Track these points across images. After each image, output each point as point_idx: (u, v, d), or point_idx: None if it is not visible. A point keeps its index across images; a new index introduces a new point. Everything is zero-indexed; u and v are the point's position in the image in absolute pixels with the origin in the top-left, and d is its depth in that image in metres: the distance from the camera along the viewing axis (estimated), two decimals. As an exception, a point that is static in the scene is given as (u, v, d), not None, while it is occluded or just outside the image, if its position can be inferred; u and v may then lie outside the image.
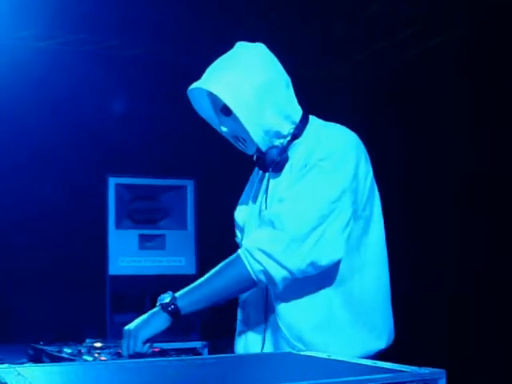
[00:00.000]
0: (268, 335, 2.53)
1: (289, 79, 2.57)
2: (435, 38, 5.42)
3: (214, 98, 2.52)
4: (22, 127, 5.58)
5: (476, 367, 4.93)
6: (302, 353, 2.07)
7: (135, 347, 2.32)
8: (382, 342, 2.51)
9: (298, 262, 2.34)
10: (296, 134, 2.54)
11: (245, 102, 2.44)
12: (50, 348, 2.66)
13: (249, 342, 2.60)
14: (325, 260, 2.36)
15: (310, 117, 2.62)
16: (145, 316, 2.39)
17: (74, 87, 5.74)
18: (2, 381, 1.65)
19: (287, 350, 2.34)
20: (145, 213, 5.81)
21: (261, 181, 2.70)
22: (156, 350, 2.44)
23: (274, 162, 2.54)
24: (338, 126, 2.59)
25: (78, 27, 5.49)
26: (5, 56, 5.41)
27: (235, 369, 1.95)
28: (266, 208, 2.56)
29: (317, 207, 2.37)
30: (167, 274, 5.71)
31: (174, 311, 2.34)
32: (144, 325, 2.35)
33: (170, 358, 2.14)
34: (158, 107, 5.87)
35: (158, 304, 2.39)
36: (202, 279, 2.43)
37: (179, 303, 2.35)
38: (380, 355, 2.46)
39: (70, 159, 5.70)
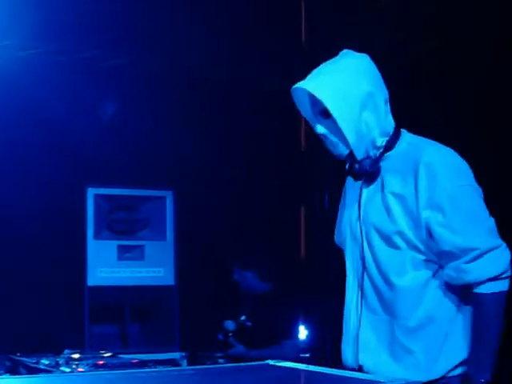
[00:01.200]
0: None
1: (387, 93, 2.63)
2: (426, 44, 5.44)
3: (314, 99, 2.58)
4: (0, 137, 5.55)
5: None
6: (279, 364, 2.07)
7: None
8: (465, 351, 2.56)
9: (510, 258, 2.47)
10: (389, 147, 2.60)
11: (345, 108, 2.51)
12: (27, 359, 2.65)
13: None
14: None
15: (402, 130, 2.68)
16: None
17: (53, 97, 5.72)
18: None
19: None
20: (124, 223, 5.81)
21: (352, 191, 2.75)
22: (135, 361, 2.43)
23: (366, 172, 2.59)
24: (434, 142, 2.65)
25: (60, 37, 5.48)
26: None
27: (213, 380, 1.95)
28: (358, 219, 2.63)
29: (488, 221, 2.49)
30: (146, 285, 5.71)
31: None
32: None
33: (148, 370, 2.14)
34: (137, 118, 5.86)
35: None
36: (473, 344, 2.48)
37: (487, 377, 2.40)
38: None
39: (48, 170, 5.67)
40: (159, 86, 5.85)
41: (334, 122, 2.52)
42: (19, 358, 2.70)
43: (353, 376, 1.81)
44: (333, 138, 2.61)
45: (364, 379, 1.74)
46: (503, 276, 2.43)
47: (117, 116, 5.89)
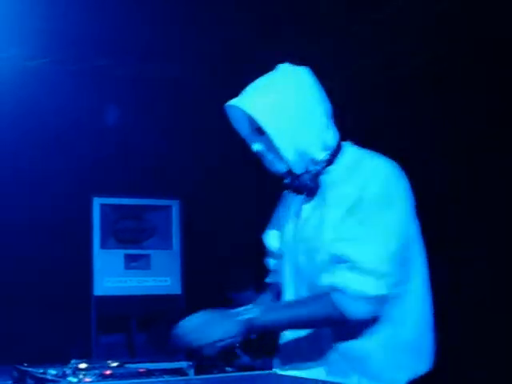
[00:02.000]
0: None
1: (329, 105, 2.56)
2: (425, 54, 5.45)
3: (249, 116, 2.50)
4: (7, 147, 5.57)
5: None
6: (284, 373, 2.07)
7: (204, 345, 2.29)
8: (427, 364, 2.53)
9: (384, 297, 2.38)
10: (330, 161, 2.54)
11: (280, 126, 2.43)
12: (34, 370, 2.64)
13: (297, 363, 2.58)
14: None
15: (345, 142, 2.62)
16: (221, 316, 2.35)
17: (60, 107, 5.74)
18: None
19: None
20: (130, 233, 5.81)
21: (290, 205, 2.70)
22: (142, 370, 2.42)
23: (306, 186, 2.55)
24: (379, 155, 2.59)
25: (68, 46, 5.49)
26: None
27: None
28: (299, 233, 2.58)
29: (394, 246, 2.39)
30: (153, 294, 5.71)
31: (251, 328, 2.32)
32: (217, 327, 2.30)
33: (155, 379, 2.14)
34: (144, 127, 5.87)
35: (237, 313, 2.35)
36: (286, 303, 2.47)
37: (259, 321, 2.33)
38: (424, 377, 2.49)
39: (54, 179, 5.69)
40: (167, 96, 5.86)
41: (270, 139, 2.46)
42: (26, 369, 2.69)
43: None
44: (269, 156, 2.55)
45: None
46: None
47: (123, 125, 5.90)
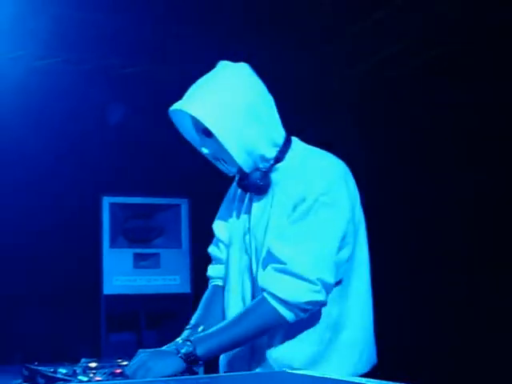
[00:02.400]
0: (253, 363, 2.51)
1: (272, 100, 2.52)
2: (429, 51, 5.44)
3: (195, 119, 2.46)
4: (17, 146, 5.58)
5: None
6: (296, 372, 2.07)
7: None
8: (367, 365, 2.51)
9: (320, 302, 2.35)
10: (279, 158, 2.50)
11: (226, 125, 2.39)
12: (44, 368, 2.64)
13: (233, 364, 2.57)
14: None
15: (293, 139, 2.58)
16: (163, 354, 2.31)
17: (69, 106, 5.75)
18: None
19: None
20: (139, 232, 5.82)
21: (241, 199, 2.67)
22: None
23: (256, 185, 2.51)
24: (326, 153, 2.56)
25: (76, 46, 5.51)
26: (2, 75, 5.41)
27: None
28: (248, 230, 2.55)
29: (330, 248, 2.36)
30: (162, 293, 5.71)
31: (192, 360, 2.28)
32: (162, 364, 2.25)
33: (166, 378, 2.13)
34: (152, 126, 5.86)
35: (175, 349, 2.30)
36: (222, 325, 2.39)
37: (199, 352, 2.28)
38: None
39: (64, 179, 5.70)
40: (176, 95, 5.86)
41: (218, 140, 2.42)
42: (36, 368, 2.69)
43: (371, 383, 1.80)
44: (219, 157, 2.52)
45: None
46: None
47: (133, 124, 5.90)
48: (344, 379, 1.95)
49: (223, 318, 2.60)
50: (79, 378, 2.36)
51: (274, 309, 2.33)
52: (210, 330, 2.38)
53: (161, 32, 5.42)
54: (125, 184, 5.89)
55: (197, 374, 2.46)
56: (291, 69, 5.90)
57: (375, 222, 5.62)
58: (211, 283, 2.82)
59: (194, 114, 2.42)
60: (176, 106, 2.49)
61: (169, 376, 2.24)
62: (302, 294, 2.31)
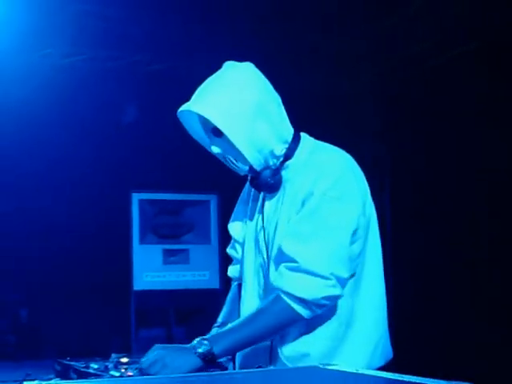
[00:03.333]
0: (267, 360, 2.51)
1: (279, 98, 2.51)
2: (452, 50, 5.41)
3: (204, 120, 2.45)
4: (47, 144, 5.61)
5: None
6: (328, 367, 2.06)
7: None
8: (382, 359, 2.50)
9: (336, 297, 2.35)
10: (288, 155, 2.49)
11: (236, 124, 2.39)
12: (76, 363, 2.66)
13: (248, 361, 2.57)
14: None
15: (302, 135, 2.57)
16: (181, 351, 2.30)
17: (96, 103, 5.78)
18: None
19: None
20: (168, 228, 5.84)
21: (255, 199, 2.65)
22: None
23: (267, 183, 2.49)
24: (333, 148, 2.54)
25: (101, 43, 5.53)
26: (30, 73, 5.45)
27: (266, 383, 1.95)
28: (261, 229, 2.54)
29: (342, 242, 2.35)
30: (191, 289, 5.73)
31: (210, 359, 2.27)
32: (180, 361, 2.25)
33: (198, 374, 2.14)
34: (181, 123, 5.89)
35: (193, 347, 2.28)
36: (238, 324, 2.38)
37: (216, 350, 2.27)
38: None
39: (93, 176, 5.73)
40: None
41: (228, 139, 2.40)
42: (68, 362, 2.70)
43: (403, 379, 1.79)
44: (230, 156, 2.49)
45: (416, 382, 1.72)
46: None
47: (161, 121, 5.92)
48: (375, 374, 1.95)
49: (239, 315, 2.60)
50: (111, 373, 2.38)
51: (290, 307, 2.32)
52: (226, 328, 2.38)
53: (186, 30, 5.42)
54: (154, 180, 5.90)
55: (226, 369, 2.47)
56: (309, 70, 5.91)
57: (399, 219, 5.59)
58: (233, 282, 2.83)
59: (203, 114, 2.42)
60: (184, 106, 2.48)
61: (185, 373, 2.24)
62: (318, 290, 2.30)
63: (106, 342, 4.70)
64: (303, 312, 2.32)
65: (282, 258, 2.38)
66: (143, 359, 2.32)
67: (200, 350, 2.26)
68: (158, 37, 5.48)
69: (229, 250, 2.81)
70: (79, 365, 2.60)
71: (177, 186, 5.87)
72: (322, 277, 2.30)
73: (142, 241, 5.67)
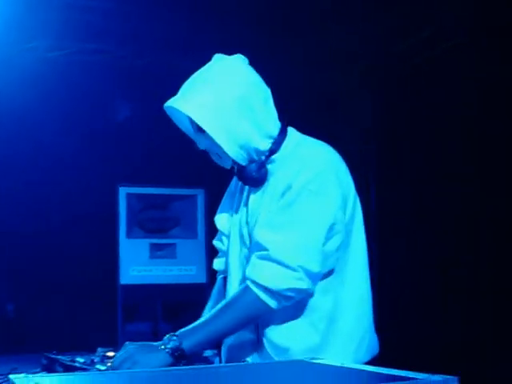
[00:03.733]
0: (253, 354, 2.52)
1: (268, 92, 2.51)
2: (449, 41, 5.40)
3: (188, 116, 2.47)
4: (32, 138, 5.60)
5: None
6: (314, 361, 2.07)
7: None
8: (367, 354, 2.51)
9: (303, 290, 2.35)
10: (274, 149, 2.50)
11: (217, 121, 2.39)
12: (62, 357, 2.66)
13: (234, 355, 2.57)
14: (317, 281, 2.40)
15: (289, 129, 2.57)
16: (150, 348, 2.31)
17: (82, 97, 5.77)
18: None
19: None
20: (155, 222, 5.84)
21: (241, 192, 2.66)
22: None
23: (252, 177, 2.50)
24: (317, 142, 2.55)
25: (87, 37, 5.51)
26: (15, 67, 5.43)
27: (250, 376, 1.95)
28: (246, 222, 2.55)
29: (315, 236, 2.36)
30: (178, 283, 5.73)
31: (179, 355, 2.28)
32: (148, 357, 2.25)
33: (184, 367, 2.14)
34: (168, 116, 5.88)
35: (162, 345, 2.29)
36: (207, 317, 2.38)
37: (185, 346, 2.28)
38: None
39: (80, 170, 5.72)
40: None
41: (209, 135, 2.42)
42: (55, 356, 2.71)
43: (390, 372, 1.80)
44: (214, 152, 2.51)
45: (402, 376, 1.73)
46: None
47: (148, 115, 5.92)
48: (361, 367, 1.96)
49: None
50: (97, 366, 2.38)
51: (258, 297, 2.33)
52: (196, 323, 2.37)
53: (173, 22, 5.40)
54: (141, 174, 5.90)
55: (213, 363, 2.47)
56: (311, 59, 5.90)
57: (388, 213, 5.59)
58: (218, 276, 2.83)
59: (184, 112, 2.43)
60: (169, 103, 2.49)
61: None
62: (284, 281, 2.31)
63: (92, 337, 4.68)
64: (270, 302, 2.33)
65: (255, 246, 2.40)
66: (114, 358, 2.32)
67: (169, 346, 2.27)
68: (144, 30, 5.46)
69: (215, 242, 2.82)
70: (65, 358, 2.61)
71: (164, 181, 5.87)
72: (290, 268, 2.30)
73: (129, 235, 5.67)
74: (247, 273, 2.39)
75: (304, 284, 2.32)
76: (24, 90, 5.40)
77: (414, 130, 5.75)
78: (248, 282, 2.36)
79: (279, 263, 2.32)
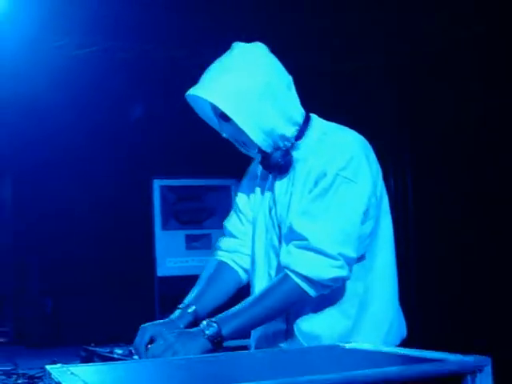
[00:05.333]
0: (283, 340, 2.52)
1: (290, 79, 2.51)
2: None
3: (212, 104, 2.46)
4: (66, 134, 5.63)
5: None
6: (347, 346, 2.08)
7: None
8: (396, 338, 2.51)
9: (344, 278, 2.36)
10: (299, 136, 2.50)
11: (242, 108, 2.39)
12: (101, 349, 2.69)
13: (263, 346, 2.58)
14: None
15: (312, 116, 2.58)
16: (189, 335, 2.30)
17: (115, 92, 5.79)
18: (56, 380, 1.68)
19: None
20: (190, 213, 5.86)
21: (264, 178, 2.66)
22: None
23: (278, 164, 2.50)
24: (346, 129, 2.56)
25: (117, 34, 5.53)
26: (44, 65, 5.47)
27: (287, 362, 1.97)
28: (274, 207, 2.56)
29: (352, 223, 2.37)
30: (214, 274, 5.75)
31: (219, 341, 2.29)
32: (189, 346, 2.25)
33: (220, 354, 2.16)
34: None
35: (201, 331, 2.29)
36: (246, 304, 2.39)
37: (225, 332, 2.29)
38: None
39: (114, 163, 5.76)
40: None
41: (235, 123, 2.41)
42: (93, 349, 2.75)
43: (422, 355, 1.80)
44: (239, 140, 2.51)
45: (434, 358, 1.73)
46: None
47: (181, 107, 5.93)
48: (395, 351, 1.96)
49: (246, 294, 2.59)
50: (135, 357, 2.41)
51: (298, 285, 2.34)
52: (234, 309, 2.38)
53: (199, 18, 5.41)
54: (174, 167, 5.92)
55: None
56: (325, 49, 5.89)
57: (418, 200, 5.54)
58: (216, 256, 2.83)
59: (209, 99, 2.43)
60: (191, 91, 2.49)
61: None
62: (325, 270, 2.32)
63: (130, 328, 4.72)
64: (310, 291, 2.34)
65: (292, 235, 2.40)
66: (153, 347, 2.33)
67: (208, 333, 2.28)
68: (170, 25, 5.47)
69: (228, 223, 2.82)
70: (103, 350, 2.64)
71: (197, 172, 5.89)
72: (331, 256, 2.31)
73: (164, 227, 5.70)
74: (285, 262, 2.39)
75: (344, 272, 2.33)
76: (54, 88, 5.43)
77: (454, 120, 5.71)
78: (288, 271, 2.36)
79: (320, 252, 2.32)
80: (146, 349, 2.34)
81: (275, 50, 2.55)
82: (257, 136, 2.43)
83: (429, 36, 5.61)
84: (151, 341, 2.35)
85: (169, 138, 5.96)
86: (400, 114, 6.14)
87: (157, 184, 5.74)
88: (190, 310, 2.54)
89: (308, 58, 5.81)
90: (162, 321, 2.49)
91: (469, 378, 1.67)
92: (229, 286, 2.74)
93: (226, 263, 2.77)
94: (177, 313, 2.53)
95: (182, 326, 2.46)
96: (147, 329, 2.41)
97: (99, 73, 5.71)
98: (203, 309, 2.57)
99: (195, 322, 2.46)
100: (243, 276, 2.76)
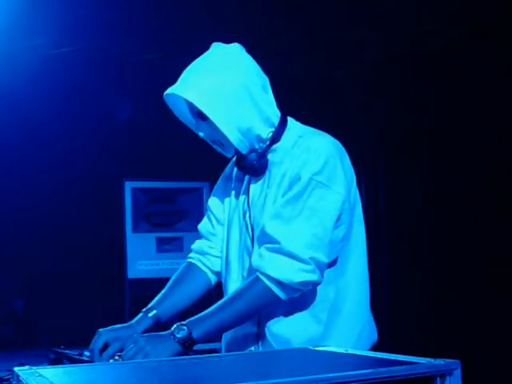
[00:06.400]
0: (254, 343, 2.52)
1: (267, 80, 2.53)
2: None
3: (189, 103, 2.47)
4: (37, 134, 5.62)
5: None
6: (317, 348, 2.08)
7: None
8: (367, 343, 2.52)
9: (314, 282, 2.37)
10: (275, 138, 2.51)
11: (220, 107, 2.40)
12: (70, 351, 2.68)
13: (234, 349, 2.58)
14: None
15: (289, 119, 2.59)
16: (160, 338, 2.30)
17: (87, 93, 5.77)
18: (24, 382, 1.67)
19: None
20: (161, 216, 5.84)
21: (239, 180, 2.67)
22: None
23: (252, 166, 2.51)
24: (321, 133, 2.56)
25: (92, 34, 5.51)
26: (18, 65, 5.44)
27: (257, 365, 1.96)
28: (248, 210, 2.56)
29: (325, 228, 2.37)
30: (185, 276, 5.74)
31: (189, 344, 2.29)
32: (159, 348, 2.25)
33: (189, 356, 2.16)
34: (171, 110, 5.88)
35: (171, 333, 2.29)
36: (216, 306, 2.39)
37: (195, 335, 2.29)
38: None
39: (85, 165, 5.74)
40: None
41: (212, 122, 2.42)
42: (62, 351, 2.74)
43: (392, 357, 1.81)
44: (216, 139, 2.53)
45: (404, 360, 1.73)
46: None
47: (153, 109, 5.92)
48: (365, 354, 1.97)
49: (219, 297, 2.61)
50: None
51: (268, 288, 2.35)
52: (205, 313, 2.38)
53: (171, 19, 5.40)
54: (146, 169, 5.91)
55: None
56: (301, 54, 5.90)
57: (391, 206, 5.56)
58: (188, 259, 2.84)
59: (186, 97, 2.44)
60: (170, 90, 2.50)
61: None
62: (296, 274, 2.32)
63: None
64: (280, 294, 2.35)
65: (264, 238, 2.41)
66: (124, 351, 2.32)
67: (179, 336, 2.28)
68: (145, 25, 5.46)
69: (201, 226, 2.84)
70: (73, 353, 2.63)
71: (169, 175, 5.88)
72: (302, 260, 2.32)
73: (135, 229, 5.67)
74: (256, 264, 2.40)
75: (315, 276, 2.34)
76: (27, 88, 5.42)
77: (424, 124, 5.72)
78: (259, 274, 2.37)
79: (291, 256, 2.33)
80: (100, 354, 2.34)
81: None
82: (233, 135, 2.43)
83: (397, 38, 5.64)
84: (106, 346, 2.35)
85: (141, 140, 5.95)
86: (372, 119, 6.16)
87: (128, 186, 5.71)
88: (150, 314, 2.56)
89: (283, 63, 5.82)
90: (120, 325, 2.51)
91: (438, 380, 1.67)
92: (195, 289, 2.75)
93: (195, 265, 2.79)
94: (138, 317, 2.53)
95: (140, 330, 2.47)
96: (102, 334, 2.42)
97: (73, 73, 5.68)
98: (165, 312, 2.59)
99: (156, 326, 2.47)
100: (212, 278, 2.77)
